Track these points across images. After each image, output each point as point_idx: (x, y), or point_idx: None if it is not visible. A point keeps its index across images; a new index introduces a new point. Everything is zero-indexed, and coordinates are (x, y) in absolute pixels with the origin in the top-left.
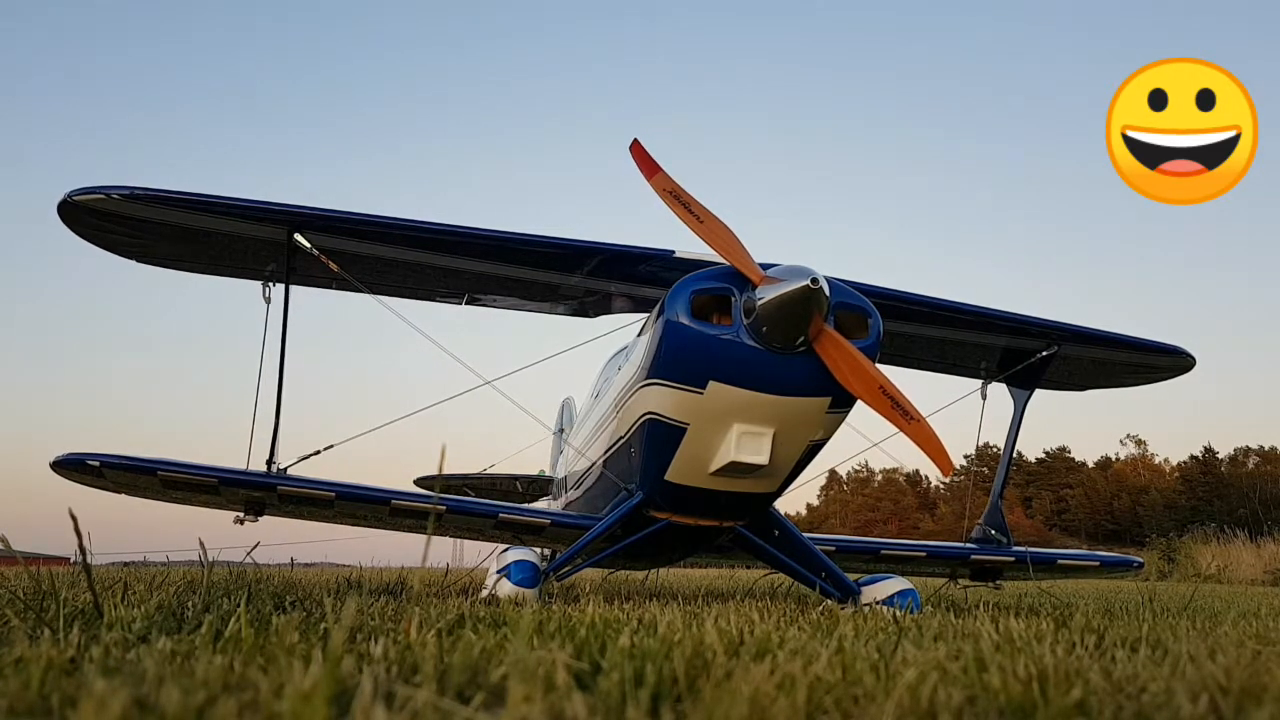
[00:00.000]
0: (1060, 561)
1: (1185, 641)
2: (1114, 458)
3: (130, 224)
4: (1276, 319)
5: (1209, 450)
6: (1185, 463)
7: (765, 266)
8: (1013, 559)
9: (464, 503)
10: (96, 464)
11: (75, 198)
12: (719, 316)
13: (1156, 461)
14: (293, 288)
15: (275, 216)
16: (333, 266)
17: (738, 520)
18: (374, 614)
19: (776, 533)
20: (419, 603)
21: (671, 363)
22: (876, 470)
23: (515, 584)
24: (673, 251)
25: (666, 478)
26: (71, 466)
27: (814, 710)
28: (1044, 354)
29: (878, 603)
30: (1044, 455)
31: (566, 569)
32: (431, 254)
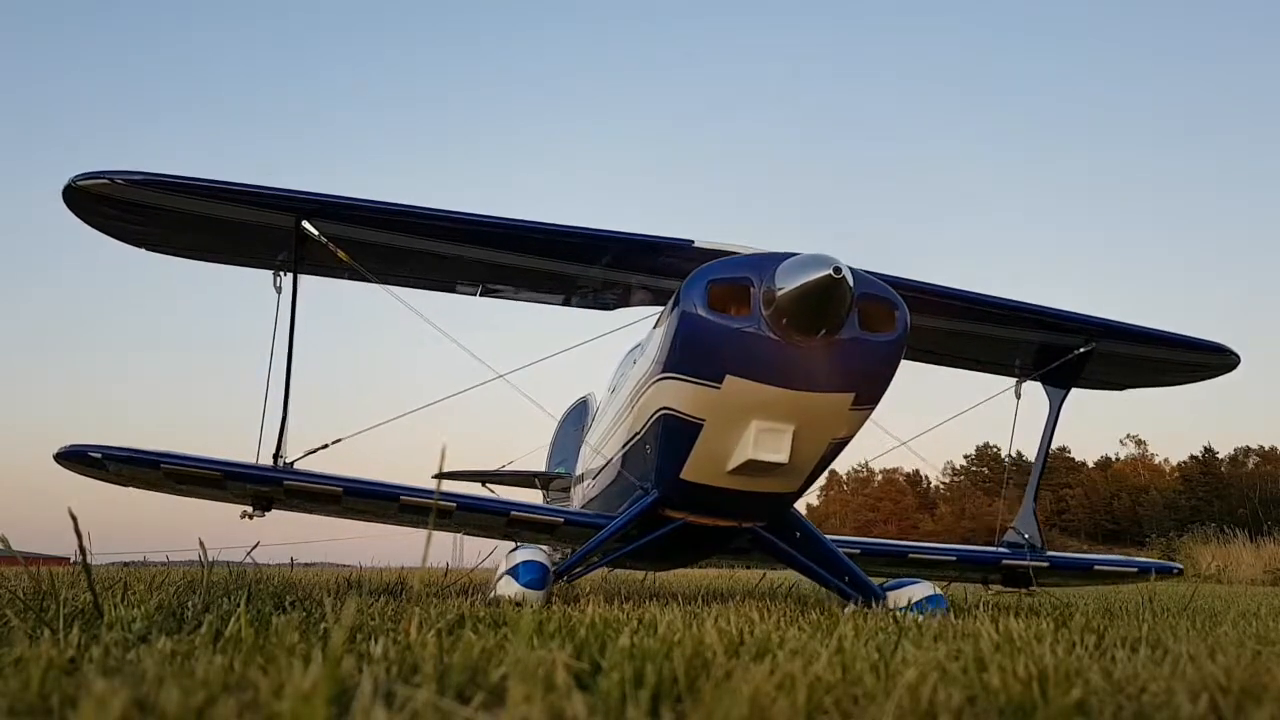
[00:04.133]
0: (1097, 567)
1: (1185, 641)
2: (1114, 458)
3: (136, 210)
4: (1277, 318)
5: (1209, 450)
6: (1185, 463)
7: (785, 255)
8: (1047, 564)
9: (475, 500)
10: (98, 455)
11: (80, 183)
12: (737, 308)
13: (1156, 461)
14: (306, 277)
15: (283, 203)
16: (341, 255)
17: (757, 521)
18: (374, 614)
19: (798, 534)
20: (419, 603)
21: (687, 356)
22: (877, 470)
23: (523, 585)
24: (692, 241)
25: (682, 476)
26: (75, 459)
27: (814, 710)
28: (1081, 351)
29: (904, 609)
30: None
31: (577, 570)
32: (444, 243)
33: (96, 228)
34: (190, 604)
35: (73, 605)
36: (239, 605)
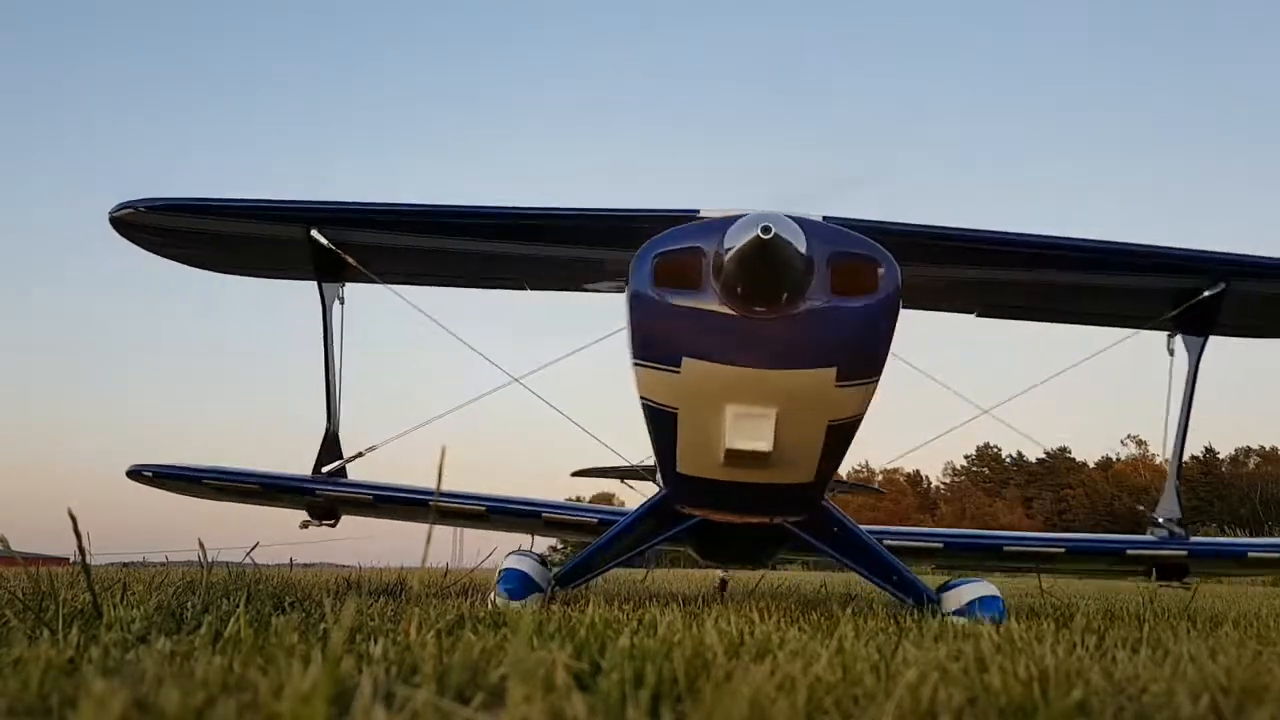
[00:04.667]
0: (1252, 555)
1: (1186, 642)
2: (1115, 458)
3: (167, 234)
4: None
5: (1210, 450)
6: (1186, 463)
7: (740, 217)
8: (1185, 553)
9: (507, 503)
10: (150, 474)
11: (116, 214)
12: (689, 281)
13: (1157, 462)
14: (352, 286)
15: (289, 215)
16: (350, 261)
17: (775, 515)
18: (373, 614)
19: (835, 529)
20: (418, 603)
21: (643, 340)
22: (877, 470)
23: (502, 596)
24: (698, 211)
25: (678, 470)
26: (135, 475)
27: (814, 711)
28: (1207, 294)
29: (953, 613)
30: (1045, 455)
31: (582, 578)
32: (460, 240)
33: (148, 250)
34: (189, 604)
35: (72, 606)
36: (238, 606)
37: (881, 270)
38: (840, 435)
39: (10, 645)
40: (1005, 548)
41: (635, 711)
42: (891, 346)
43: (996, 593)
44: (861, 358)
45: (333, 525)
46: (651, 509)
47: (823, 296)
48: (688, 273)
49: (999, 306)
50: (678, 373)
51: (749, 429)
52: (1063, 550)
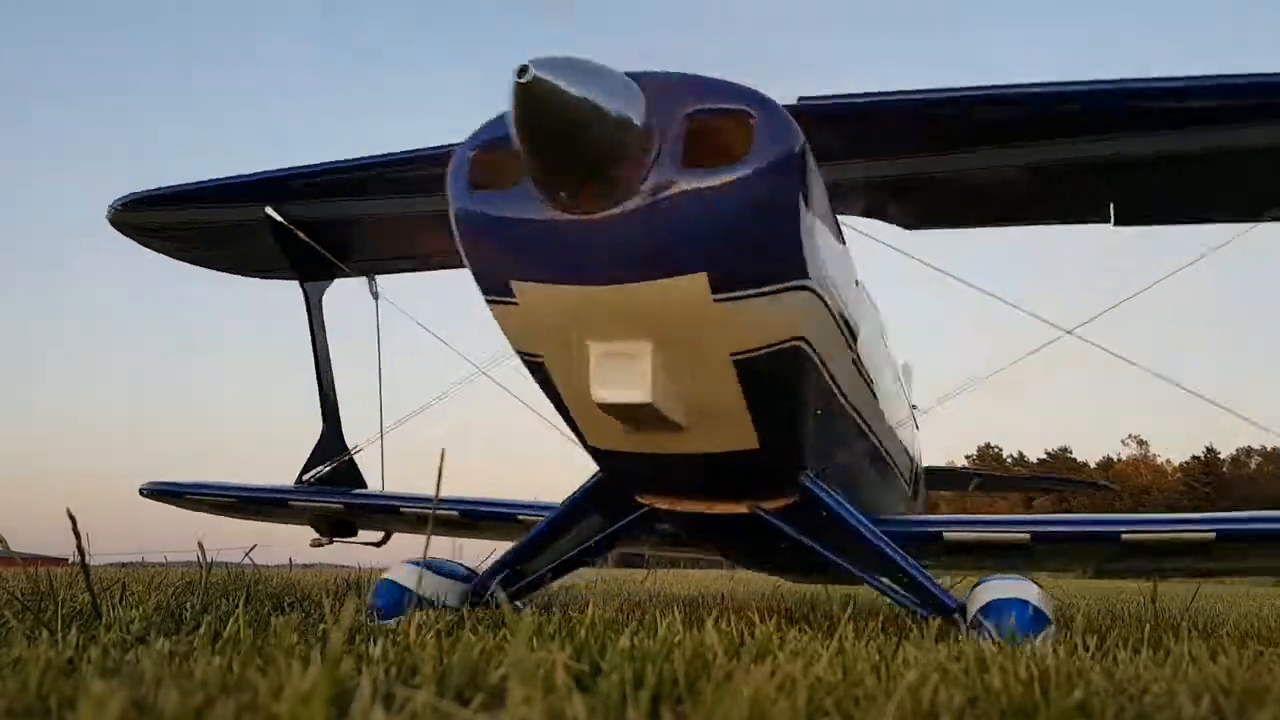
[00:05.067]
0: None
1: (1187, 643)
2: (1116, 458)
3: (152, 231)
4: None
5: (1210, 451)
6: (1187, 463)
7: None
8: None
9: (478, 506)
10: (147, 492)
11: (108, 216)
12: (508, 179)
13: (1159, 462)
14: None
15: (245, 192)
16: (301, 237)
17: (739, 500)
18: (373, 615)
19: (824, 515)
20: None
21: (472, 267)
22: None
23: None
24: None
25: (590, 443)
26: (143, 493)
27: (814, 711)
28: None
29: (975, 618)
30: (1045, 455)
31: (511, 588)
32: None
33: (153, 249)
34: (188, 605)
35: (71, 606)
36: (237, 606)
37: (757, 124)
38: (767, 376)
39: (9, 646)
40: (1124, 536)
41: (635, 712)
42: (815, 234)
43: (1029, 596)
44: (747, 255)
45: (377, 545)
46: (587, 495)
47: (672, 172)
48: (505, 169)
49: (1144, 211)
50: (515, 304)
51: (616, 373)
52: (1212, 535)
